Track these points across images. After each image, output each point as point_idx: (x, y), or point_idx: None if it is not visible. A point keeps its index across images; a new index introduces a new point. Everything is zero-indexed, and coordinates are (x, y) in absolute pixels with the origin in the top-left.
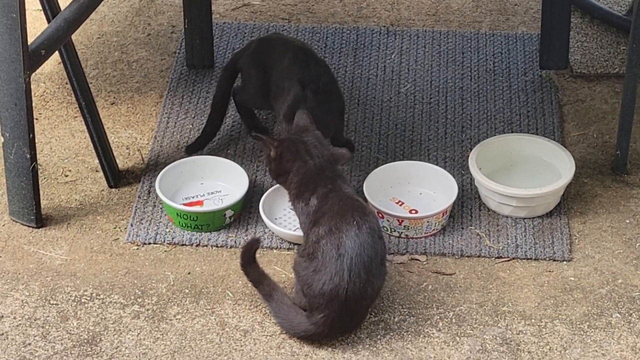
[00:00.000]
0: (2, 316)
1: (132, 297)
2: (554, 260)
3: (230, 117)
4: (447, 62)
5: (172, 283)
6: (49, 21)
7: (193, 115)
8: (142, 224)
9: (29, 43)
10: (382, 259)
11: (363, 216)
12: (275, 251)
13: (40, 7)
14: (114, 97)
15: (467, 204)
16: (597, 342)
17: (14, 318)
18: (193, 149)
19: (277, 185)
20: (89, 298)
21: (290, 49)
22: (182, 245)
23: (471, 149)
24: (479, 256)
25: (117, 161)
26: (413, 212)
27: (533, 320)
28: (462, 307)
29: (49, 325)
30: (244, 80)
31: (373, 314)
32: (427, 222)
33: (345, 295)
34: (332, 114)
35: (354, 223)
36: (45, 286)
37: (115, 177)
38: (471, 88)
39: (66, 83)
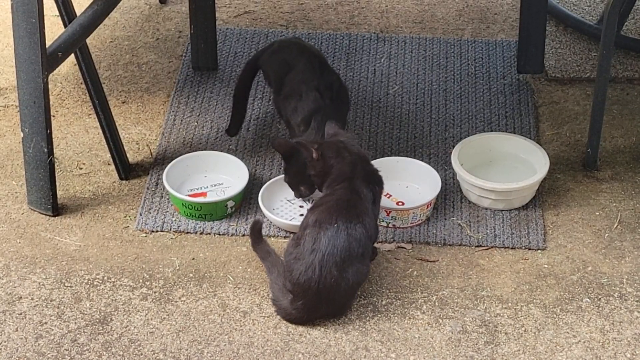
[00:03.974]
0: (21, 297)
1: (141, 281)
2: (529, 249)
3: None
4: (432, 66)
5: (177, 268)
6: (65, 26)
7: (198, 114)
8: (150, 213)
9: (47, 46)
10: (359, 260)
11: (347, 222)
12: (272, 239)
13: (58, 13)
14: (125, 97)
15: (450, 197)
16: (568, 325)
17: (32, 299)
18: (232, 132)
19: (275, 178)
20: (100, 281)
21: (305, 55)
22: (187, 233)
23: (454, 146)
24: (460, 245)
25: (128, 155)
26: (400, 204)
27: (510, 304)
28: (444, 292)
29: (64, 306)
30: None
31: (362, 297)
32: (413, 213)
33: (317, 288)
34: (344, 116)
35: (334, 225)
36: (61, 270)
37: (126, 170)
38: (454, 90)
39: (81, 83)
